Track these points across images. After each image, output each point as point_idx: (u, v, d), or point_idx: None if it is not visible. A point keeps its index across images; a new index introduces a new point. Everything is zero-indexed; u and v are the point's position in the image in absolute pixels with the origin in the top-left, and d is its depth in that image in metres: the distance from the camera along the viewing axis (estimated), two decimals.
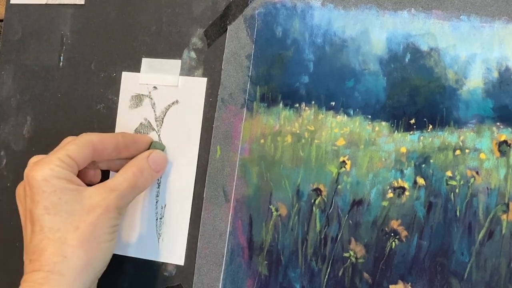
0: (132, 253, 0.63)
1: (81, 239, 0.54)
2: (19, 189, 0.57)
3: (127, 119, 0.64)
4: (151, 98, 0.63)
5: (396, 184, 0.54)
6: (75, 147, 0.56)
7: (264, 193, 0.58)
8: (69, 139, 0.59)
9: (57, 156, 0.55)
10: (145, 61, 0.64)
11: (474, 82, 0.53)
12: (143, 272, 0.63)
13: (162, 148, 0.62)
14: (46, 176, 0.54)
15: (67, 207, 0.54)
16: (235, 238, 0.59)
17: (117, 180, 0.57)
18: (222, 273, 0.59)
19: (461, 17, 0.53)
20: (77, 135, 0.65)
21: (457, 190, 0.53)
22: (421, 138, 0.54)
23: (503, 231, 0.51)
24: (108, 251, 0.57)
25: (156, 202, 0.62)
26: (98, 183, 0.59)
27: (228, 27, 0.61)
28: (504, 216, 0.51)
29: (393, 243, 0.54)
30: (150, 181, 0.60)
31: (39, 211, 0.53)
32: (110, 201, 0.55)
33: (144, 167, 0.59)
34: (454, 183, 0.53)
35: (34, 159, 0.58)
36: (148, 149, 0.62)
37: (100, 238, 0.55)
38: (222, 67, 0.61)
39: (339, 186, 0.56)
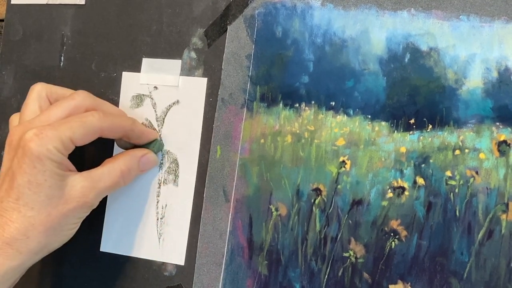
0: (132, 253, 0.63)
1: (48, 226, 0.54)
2: (13, 139, 0.56)
3: None
4: (152, 98, 0.64)
5: (395, 184, 0.54)
6: (82, 132, 0.55)
7: (264, 193, 0.58)
8: (84, 98, 0.58)
9: (60, 138, 0.54)
10: (145, 61, 0.64)
11: (474, 82, 0.53)
12: (143, 272, 0.63)
13: (160, 149, 0.62)
14: (42, 155, 0.53)
15: (48, 191, 0.54)
16: (235, 238, 0.59)
17: (102, 174, 0.57)
18: (222, 273, 0.59)
19: (460, 17, 0.53)
20: None
21: (456, 190, 0.53)
22: (421, 138, 0.54)
23: (503, 231, 0.51)
24: (67, 237, 0.58)
25: (157, 202, 0.62)
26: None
27: (228, 27, 0.61)
28: (503, 216, 0.51)
29: (393, 243, 0.54)
30: (132, 180, 0.61)
31: (22, 181, 0.53)
32: (88, 198, 0.56)
33: (133, 167, 0.60)
34: (453, 183, 0.53)
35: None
36: (149, 144, 0.62)
37: (65, 227, 0.56)
38: (222, 67, 0.61)
39: (339, 186, 0.56)
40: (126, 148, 0.62)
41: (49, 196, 0.54)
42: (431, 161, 0.53)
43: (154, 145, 0.62)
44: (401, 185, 0.54)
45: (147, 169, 0.62)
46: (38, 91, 0.59)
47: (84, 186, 0.56)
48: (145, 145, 0.62)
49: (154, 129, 0.63)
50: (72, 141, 0.55)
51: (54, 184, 0.54)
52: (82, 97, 0.58)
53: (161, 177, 0.63)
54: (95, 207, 0.58)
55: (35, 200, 0.54)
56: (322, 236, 0.56)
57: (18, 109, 0.69)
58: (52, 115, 0.57)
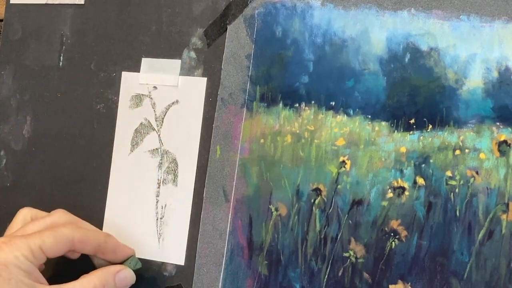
0: None
1: None
2: None
3: (127, 119, 0.64)
4: (151, 98, 0.63)
5: (396, 184, 0.54)
6: (52, 242, 0.54)
7: (264, 193, 0.58)
8: (61, 216, 0.58)
9: (29, 245, 0.53)
10: (145, 61, 0.64)
11: (474, 82, 0.53)
12: (143, 272, 0.62)
13: (137, 267, 0.61)
14: (8, 262, 0.52)
15: None
16: (235, 238, 0.59)
17: None
18: (222, 273, 0.59)
19: (461, 17, 0.53)
20: (77, 136, 0.66)
21: (457, 190, 0.52)
22: (421, 138, 0.54)
23: (503, 231, 0.51)
24: None
25: (157, 202, 0.62)
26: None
27: (228, 27, 0.61)
28: (504, 216, 0.51)
29: (393, 243, 0.54)
30: None
31: None
32: None
33: (108, 283, 0.57)
34: (454, 183, 0.53)
35: (9, 230, 0.58)
36: (125, 261, 0.60)
37: None
38: (222, 67, 0.61)
39: (339, 186, 0.56)
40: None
41: None
42: (431, 161, 0.53)
43: (130, 261, 0.60)
44: (401, 185, 0.54)
45: (124, 286, 0.59)
46: (24, 214, 0.60)
47: None
48: (122, 263, 0.60)
49: (154, 129, 0.63)
50: (42, 250, 0.54)
51: None
52: (58, 214, 0.59)
53: (160, 177, 0.62)
54: None
55: None
56: (322, 236, 0.56)
57: (17, 109, 0.69)
58: (27, 229, 0.56)
